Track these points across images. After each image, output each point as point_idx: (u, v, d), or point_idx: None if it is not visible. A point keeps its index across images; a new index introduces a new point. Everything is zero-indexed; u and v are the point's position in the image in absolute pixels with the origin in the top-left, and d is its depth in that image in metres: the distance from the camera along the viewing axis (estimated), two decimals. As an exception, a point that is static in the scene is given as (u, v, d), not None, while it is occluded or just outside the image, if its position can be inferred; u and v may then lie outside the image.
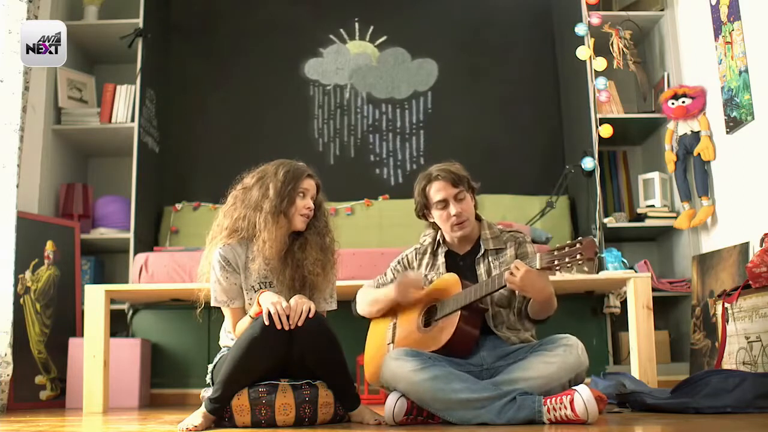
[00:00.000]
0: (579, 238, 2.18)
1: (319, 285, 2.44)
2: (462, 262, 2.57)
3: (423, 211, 2.60)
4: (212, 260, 2.43)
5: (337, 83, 4.87)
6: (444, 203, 2.51)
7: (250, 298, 2.40)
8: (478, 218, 2.61)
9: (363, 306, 2.72)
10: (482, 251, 2.53)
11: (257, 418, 2.25)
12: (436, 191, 2.52)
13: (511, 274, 2.26)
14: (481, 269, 2.51)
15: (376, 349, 2.64)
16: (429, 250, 2.64)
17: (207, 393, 2.34)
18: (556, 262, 2.20)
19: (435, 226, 2.62)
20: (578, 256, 2.14)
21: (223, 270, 2.40)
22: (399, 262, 2.71)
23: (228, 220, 2.45)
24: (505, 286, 2.30)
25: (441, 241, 2.62)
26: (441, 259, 2.59)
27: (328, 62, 4.88)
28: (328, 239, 2.49)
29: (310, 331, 2.24)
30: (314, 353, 2.28)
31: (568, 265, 2.17)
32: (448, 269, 2.56)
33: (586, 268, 2.16)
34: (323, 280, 2.45)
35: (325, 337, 2.29)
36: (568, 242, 2.20)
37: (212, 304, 2.45)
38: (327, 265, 2.46)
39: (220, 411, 2.27)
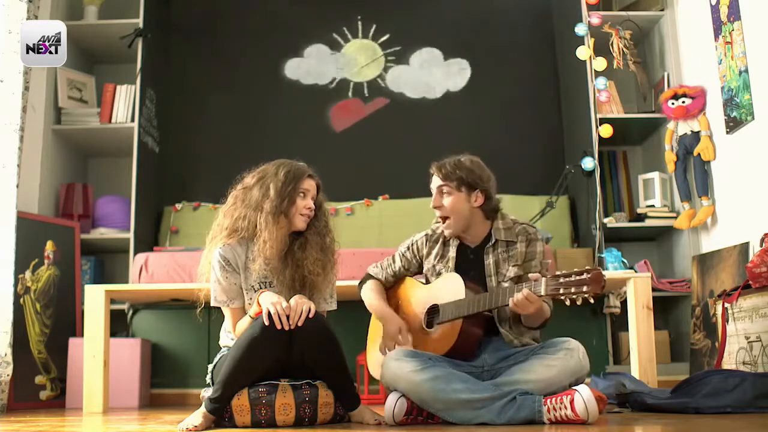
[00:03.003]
0: (587, 268, 2.13)
1: (319, 285, 2.44)
2: (472, 255, 2.55)
3: None
4: (212, 260, 2.43)
5: (337, 83, 4.86)
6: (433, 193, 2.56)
7: (250, 298, 2.40)
8: (488, 217, 2.57)
9: (364, 299, 2.73)
10: (493, 241, 2.52)
11: (257, 418, 2.25)
12: (432, 181, 2.58)
13: (526, 298, 2.21)
14: (490, 259, 2.50)
15: (377, 349, 2.64)
16: (441, 240, 2.61)
17: (207, 393, 2.34)
18: (561, 291, 2.15)
19: None
20: (585, 288, 2.10)
21: (223, 270, 2.40)
22: (408, 248, 2.69)
23: (228, 219, 2.45)
24: (507, 305, 2.28)
25: None
26: (452, 252, 2.57)
27: (329, 62, 4.88)
28: (328, 239, 2.49)
29: (310, 331, 2.24)
30: (314, 353, 2.28)
31: (574, 296, 2.13)
32: (458, 262, 2.54)
33: (591, 301, 2.12)
34: (323, 280, 2.45)
35: (325, 337, 2.29)
36: (575, 269, 2.15)
37: (212, 304, 2.45)
38: (327, 265, 2.46)
39: (220, 411, 2.27)
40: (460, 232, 2.55)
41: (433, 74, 4.85)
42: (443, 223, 2.54)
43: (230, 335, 2.46)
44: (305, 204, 2.42)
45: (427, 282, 2.63)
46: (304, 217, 2.43)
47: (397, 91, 4.84)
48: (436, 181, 2.55)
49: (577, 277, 2.13)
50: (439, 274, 2.57)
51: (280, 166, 2.45)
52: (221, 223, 2.47)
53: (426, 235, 2.66)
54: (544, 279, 2.21)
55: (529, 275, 2.29)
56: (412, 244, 2.69)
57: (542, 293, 2.20)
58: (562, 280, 2.16)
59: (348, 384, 2.36)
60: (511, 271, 2.46)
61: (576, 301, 2.14)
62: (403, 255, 2.70)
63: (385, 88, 4.85)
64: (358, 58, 4.88)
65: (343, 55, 4.89)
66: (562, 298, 2.16)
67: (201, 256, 2.52)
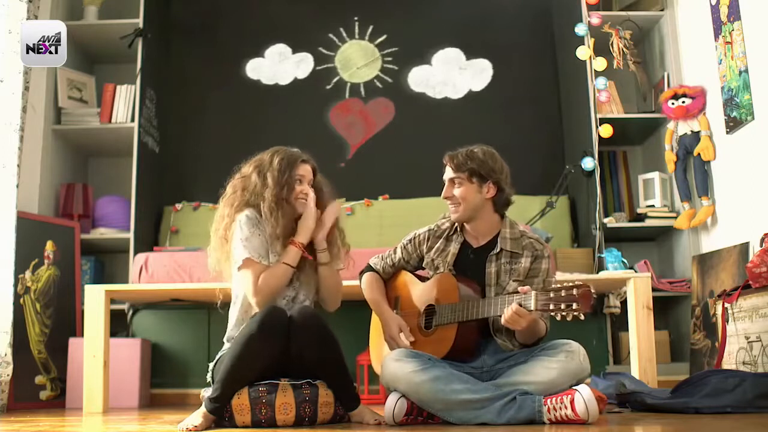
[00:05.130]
0: (577, 283, 2.09)
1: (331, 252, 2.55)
2: (473, 255, 2.52)
3: None
4: (238, 223, 2.44)
5: (337, 83, 4.87)
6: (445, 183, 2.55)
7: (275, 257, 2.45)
8: (501, 215, 2.56)
9: (363, 292, 2.72)
10: (498, 249, 2.49)
11: (257, 417, 2.25)
12: (445, 172, 2.56)
13: (515, 313, 2.18)
14: (492, 268, 2.47)
15: (380, 344, 2.66)
16: (444, 235, 2.60)
17: (207, 393, 2.34)
18: (551, 306, 2.11)
19: None
20: (574, 306, 2.06)
21: (255, 226, 2.44)
22: (410, 241, 2.67)
23: (229, 209, 2.49)
24: (499, 316, 2.26)
25: (459, 229, 2.58)
26: (453, 248, 2.54)
27: (328, 62, 4.88)
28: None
29: (309, 328, 2.26)
30: (313, 352, 2.29)
31: (564, 312, 2.09)
32: (459, 260, 2.52)
33: (582, 317, 2.08)
34: (332, 248, 2.56)
35: (323, 335, 2.30)
36: (565, 284, 2.11)
37: (237, 268, 2.41)
38: (332, 236, 2.57)
39: (220, 411, 2.27)
40: (466, 220, 2.52)
41: (432, 75, 4.85)
42: (452, 209, 2.51)
43: (235, 329, 2.45)
44: (301, 189, 2.50)
45: (426, 277, 2.62)
46: (300, 201, 2.50)
47: (396, 92, 4.83)
48: (448, 172, 2.53)
49: (567, 293, 2.09)
50: (437, 268, 2.55)
51: (275, 153, 2.54)
52: (222, 213, 2.50)
53: (429, 230, 2.64)
54: (534, 293, 2.16)
55: (519, 288, 2.24)
56: (414, 238, 2.67)
57: (532, 308, 2.16)
58: (552, 295, 2.11)
59: (348, 384, 2.36)
60: (511, 286, 2.41)
61: (566, 317, 2.09)
62: (404, 247, 2.69)
63: (384, 89, 4.84)
64: (355, 59, 4.88)
65: (340, 55, 4.89)
66: (552, 313, 2.12)
67: (201, 255, 2.55)
